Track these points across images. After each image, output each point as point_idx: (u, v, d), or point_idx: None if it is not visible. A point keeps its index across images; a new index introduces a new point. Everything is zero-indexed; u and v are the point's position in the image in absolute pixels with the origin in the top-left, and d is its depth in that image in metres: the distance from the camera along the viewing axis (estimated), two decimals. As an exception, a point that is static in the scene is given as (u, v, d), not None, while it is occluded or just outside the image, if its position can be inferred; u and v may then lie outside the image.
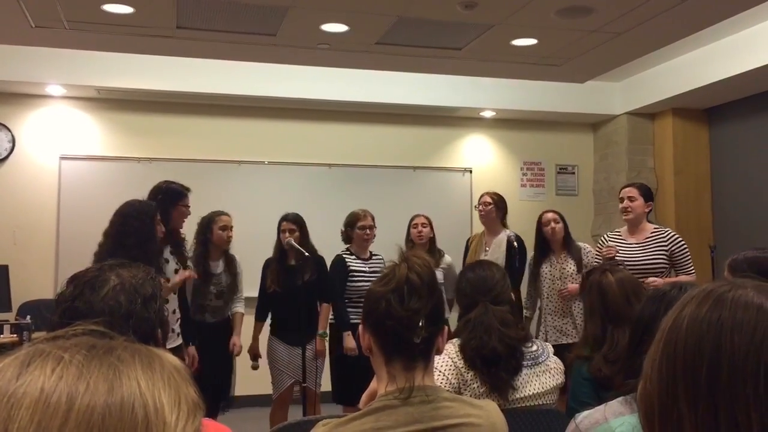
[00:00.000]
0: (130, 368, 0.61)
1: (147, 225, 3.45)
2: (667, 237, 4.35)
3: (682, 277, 4.23)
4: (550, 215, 4.89)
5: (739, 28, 5.53)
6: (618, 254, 4.40)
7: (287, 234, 4.51)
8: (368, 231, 4.71)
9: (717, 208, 6.84)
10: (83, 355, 0.61)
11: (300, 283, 4.38)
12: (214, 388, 4.20)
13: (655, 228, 4.45)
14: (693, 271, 4.32)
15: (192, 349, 4.10)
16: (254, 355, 4.62)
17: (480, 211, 5.07)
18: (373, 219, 4.78)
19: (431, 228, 4.97)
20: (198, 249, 4.42)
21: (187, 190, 4.13)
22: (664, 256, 4.30)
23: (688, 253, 4.34)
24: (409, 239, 4.96)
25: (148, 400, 0.59)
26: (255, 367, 4.64)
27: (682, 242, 4.35)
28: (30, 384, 0.58)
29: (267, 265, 4.65)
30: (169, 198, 3.98)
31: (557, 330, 4.76)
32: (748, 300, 0.85)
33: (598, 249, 4.65)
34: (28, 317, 4.68)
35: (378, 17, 4.68)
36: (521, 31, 4.99)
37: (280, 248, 4.58)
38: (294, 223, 4.55)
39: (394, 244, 1.79)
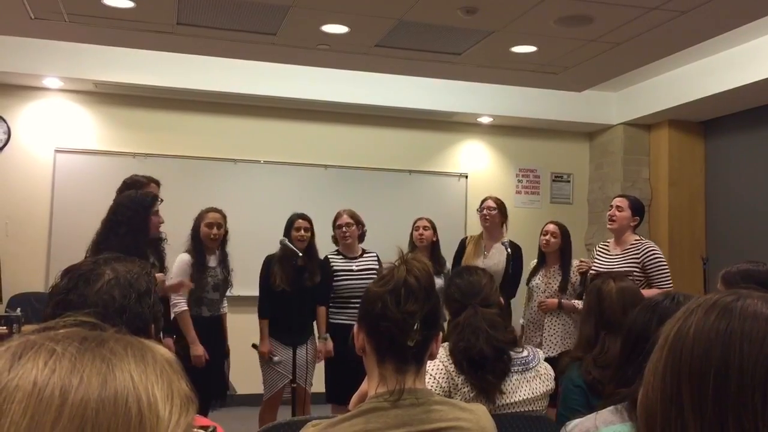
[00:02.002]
0: (123, 361, 0.60)
1: (140, 216, 3.44)
2: (642, 249, 4.21)
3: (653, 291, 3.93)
4: (549, 227, 4.73)
5: (738, 42, 5.55)
6: (598, 264, 4.38)
7: (302, 232, 4.51)
8: (344, 229, 4.65)
9: (710, 221, 6.86)
10: (76, 347, 0.60)
11: (308, 284, 4.42)
12: (208, 384, 4.17)
13: (636, 239, 4.32)
14: (669, 286, 4.10)
15: (170, 341, 3.99)
16: (270, 355, 4.47)
17: (485, 215, 4.86)
18: (352, 217, 4.70)
19: (434, 231, 4.90)
20: (192, 243, 4.40)
21: (152, 180, 4.08)
22: (637, 269, 4.17)
23: (663, 266, 4.17)
24: (411, 242, 4.88)
25: (142, 394, 0.59)
26: (279, 361, 4.46)
27: (656, 254, 4.18)
28: (22, 377, 0.57)
29: (269, 261, 4.55)
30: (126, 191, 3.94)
31: (530, 341, 4.64)
32: (756, 310, 0.84)
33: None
34: (19, 309, 4.65)
35: (378, 20, 4.68)
36: (521, 38, 5.00)
37: (286, 247, 4.48)
38: (308, 221, 4.58)
39: (395, 246, 1.78)
